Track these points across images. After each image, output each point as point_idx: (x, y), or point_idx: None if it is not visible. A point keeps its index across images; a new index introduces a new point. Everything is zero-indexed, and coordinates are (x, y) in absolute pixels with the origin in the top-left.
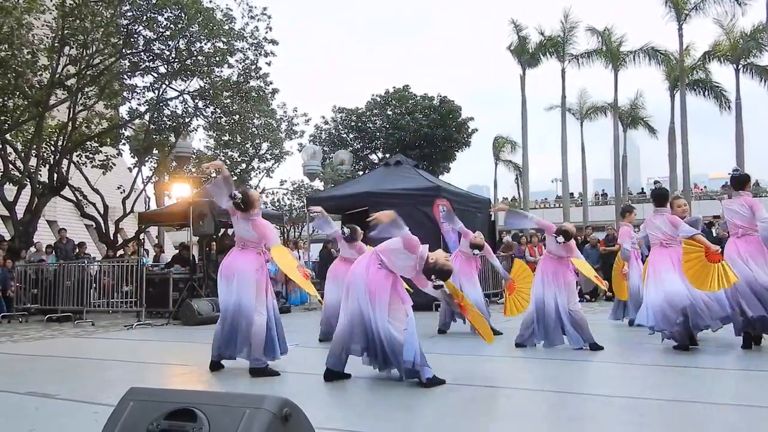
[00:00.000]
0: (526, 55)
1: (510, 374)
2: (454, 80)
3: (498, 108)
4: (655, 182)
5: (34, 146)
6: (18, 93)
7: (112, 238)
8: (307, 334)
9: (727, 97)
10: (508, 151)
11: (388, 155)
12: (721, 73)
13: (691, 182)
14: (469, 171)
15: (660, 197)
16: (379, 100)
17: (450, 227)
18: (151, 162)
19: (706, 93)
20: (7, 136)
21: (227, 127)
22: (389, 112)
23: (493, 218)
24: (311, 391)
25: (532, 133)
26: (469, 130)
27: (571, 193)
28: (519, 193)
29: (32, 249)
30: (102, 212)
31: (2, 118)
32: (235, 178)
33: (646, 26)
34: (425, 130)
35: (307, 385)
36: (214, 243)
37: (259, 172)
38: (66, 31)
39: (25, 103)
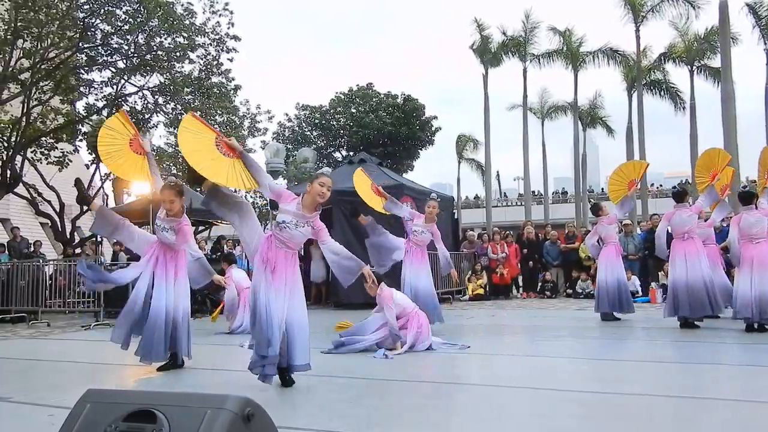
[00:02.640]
0: (489, 54)
1: (465, 371)
2: (418, 79)
3: (461, 107)
4: (744, 186)
5: None
6: None
7: (68, 236)
8: None
9: (682, 97)
10: (471, 149)
11: (351, 153)
12: (677, 74)
13: (648, 181)
14: (432, 169)
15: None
16: (343, 97)
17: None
18: None
19: (662, 93)
20: None
21: None
22: (353, 110)
23: (456, 216)
24: (273, 391)
25: (495, 132)
26: (433, 129)
27: (533, 191)
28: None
29: None
30: (58, 210)
31: None
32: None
33: (605, 27)
34: (389, 129)
35: (269, 385)
36: None
37: None
38: (19, 23)
39: None
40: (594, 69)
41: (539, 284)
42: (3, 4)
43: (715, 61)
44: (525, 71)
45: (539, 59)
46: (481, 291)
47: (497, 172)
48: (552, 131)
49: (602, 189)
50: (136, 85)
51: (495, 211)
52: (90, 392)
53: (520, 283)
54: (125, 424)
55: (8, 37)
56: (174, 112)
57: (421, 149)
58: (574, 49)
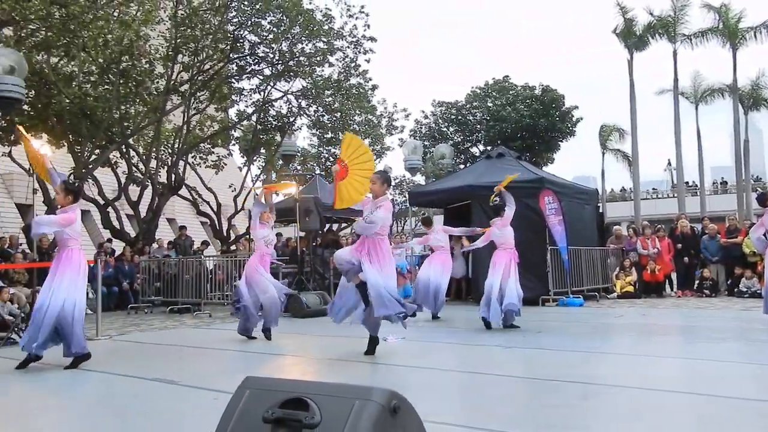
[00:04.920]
0: (633, 37)
1: (615, 372)
2: (556, 68)
3: (604, 95)
4: None
5: (154, 149)
6: (138, 100)
7: (225, 234)
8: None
9: None
10: (616, 139)
11: (489, 148)
12: None
13: None
14: (574, 161)
15: None
16: (479, 92)
17: (557, 219)
18: (259, 161)
19: None
20: (130, 140)
21: (329, 125)
22: (489, 104)
23: (601, 210)
24: (418, 385)
25: (642, 120)
26: (574, 119)
27: (687, 182)
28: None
29: (155, 245)
30: (215, 210)
31: (125, 124)
32: None
33: None
34: (527, 121)
35: (414, 378)
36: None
37: None
38: (179, 40)
39: (145, 109)
40: (756, 46)
41: (696, 282)
42: (165, 24)
43: None
44: (675, 53)
45: (691, 39)
46: (630, 288)
47: (668, 160)
48: (708, 116)
49: (759, 177)
50: (281, 91)
51: (644, 204)
52: (249, 379)
53: (674, 281)
54: (281, 410)
55: (170, 53)
56: (316, 114)
57: (561, 141)
58: (731, 25)
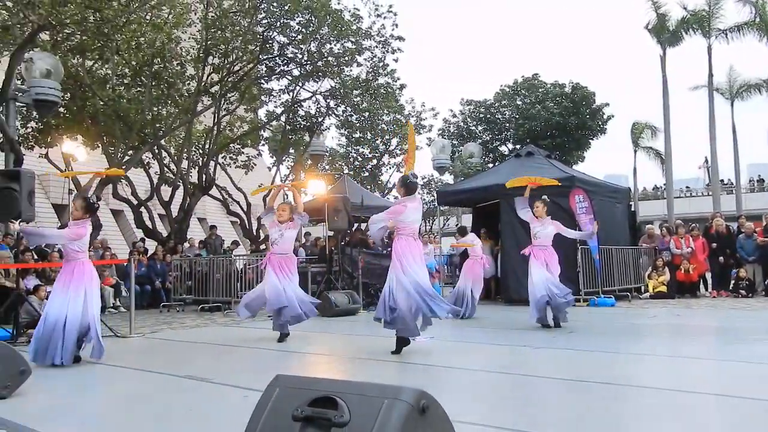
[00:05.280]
0: (666, 33)
1: (647, 373)
2: (587, 65)
3: (636, 92)
4: None
5: (185, 150)
6: (170, 102)
7: (254, 233)
8: (439, 329)
9: None
10: (648, 137)
11: (518, 146)
12: None
13: None
14: (605, 159)
15: None
16: (508, 90)
17: (588, 218)
18: (288, 161)
19: None
20: (162, 141)
21: (358, 125)
22: (519, 102)
23: (633, 208)
24: (446, 385)
25: (675, 117)
26: (605, 117)
27: (722, 180)
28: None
29: (186, 244)
30: (245, 209)
31: (157, 125)
32: (367, 174)
33: None
34: (557, 119)
35: (443, 378)
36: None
37: (389, 168)
38: (209, 42)
39: (176, 110)
40: None
41: (732, 282)
42: (195, 26)
43: None
44: (709, 48)
45: (726, 34)
46: (663, 288)
47: (705, 158)
48: (744, 113)
49: None
50: (309, 91)
51: (677, 203)
52: (279, 378)
53: (709, 281)
54: (310, 408)
55: (200, 55)
56: (344, 114)
57: (592, 139)
58: None
